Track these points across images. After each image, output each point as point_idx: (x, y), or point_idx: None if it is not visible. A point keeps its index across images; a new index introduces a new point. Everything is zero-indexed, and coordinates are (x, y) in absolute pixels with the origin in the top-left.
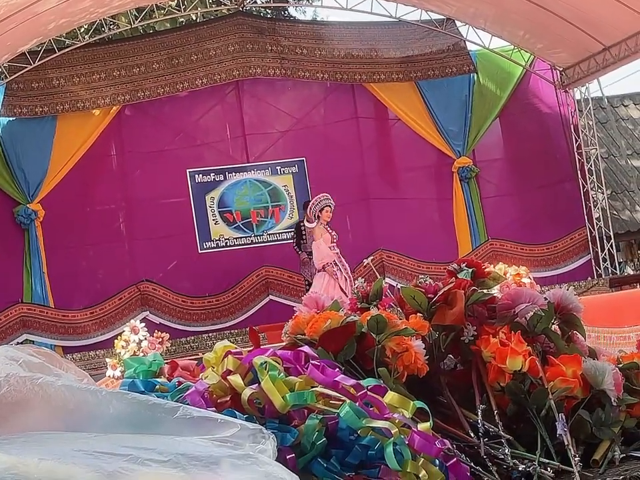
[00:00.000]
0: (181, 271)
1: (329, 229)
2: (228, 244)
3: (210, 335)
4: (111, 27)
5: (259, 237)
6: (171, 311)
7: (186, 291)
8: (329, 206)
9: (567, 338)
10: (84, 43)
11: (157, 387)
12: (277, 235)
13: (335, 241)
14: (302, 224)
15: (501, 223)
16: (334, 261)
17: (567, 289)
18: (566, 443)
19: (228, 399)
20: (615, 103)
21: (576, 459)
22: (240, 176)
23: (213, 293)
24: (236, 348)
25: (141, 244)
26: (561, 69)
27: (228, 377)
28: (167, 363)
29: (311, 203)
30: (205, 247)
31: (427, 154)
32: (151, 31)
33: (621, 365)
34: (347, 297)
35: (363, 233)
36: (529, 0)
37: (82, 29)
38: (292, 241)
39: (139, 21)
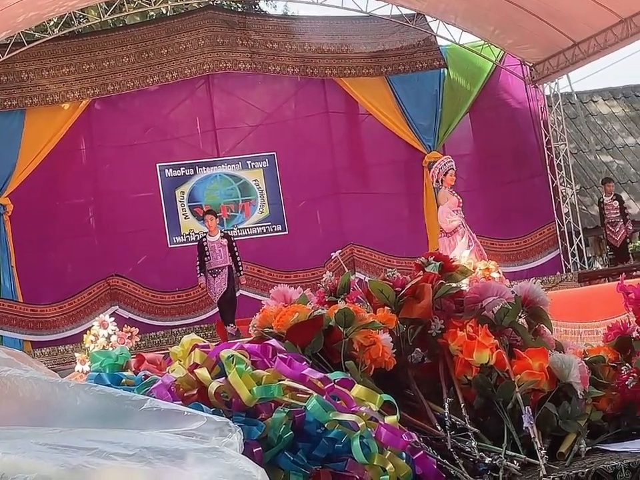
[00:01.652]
0: (151, 266)
1: (454, 192)
2: (198, 238)
3: (180, 329)
4: (80, 20)
5: (228, 232)
6: (141, 305)
7: (156, 286)
8: (453, 169)
9: (534, 331)
10: (53, 37)
11: (124, 380)
12: (247, 229)
13: (460, 205)
14: (204, 239)
15: (471, 217)
16: (461, 223)
17: (534, 283)
18: (532, 436)
19: (195, 392)
20: (584, 98)
21: (542, 451)
22: (210, 170)
23: (182, 287)
24: (203, 341)
25: (111, 238)
26: (531, 65)
27: (195, 370)
28: (133, 357)
29: (434, 167)
30: (175, 241)
31: (397, 149)
32: (121, 25)
33: (587, 358)
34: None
35: (334, 227)
36: None
37: (51, 22)
38: (197, 262)
39: (109, 15)
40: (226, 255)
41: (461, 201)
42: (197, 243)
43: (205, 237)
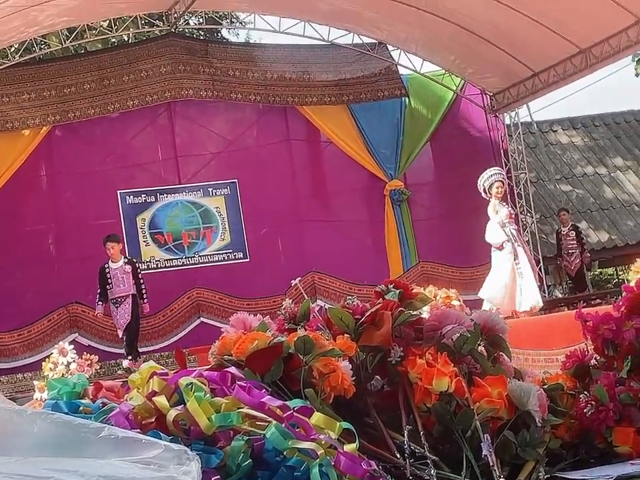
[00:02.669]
0: None
1: (503, 203)
2: (159, 265)
3: (140, 356)
4: (41, 46)
5: (190, 259)
6: (100, 332)
7: None
8: (500, 181)
9: (493, 359)
10: (14, 63)
11: (81, 408)
12: (209, 256)
13: (512, 217)
14: (106, 266)
15: (432, 245)
16: (508, 239)
17: (493, 311)
18: (491, 464)
19: (153, 420)
20: (544, 128)
21: (501, 479)
22: (171, 197)
23: (143, 315)
24: (162, 369)
25: (71, 265)
26: (491, 94)
27: (153, 398)
28: (91, 384)
29: (479, 179)
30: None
31: (359, 176)
32: (82, 51)
33: (545, 386)
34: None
35: (295, 255)
36: (459, 25)
37: (12, 48)
38: (97, 290)
39: (70, 41)
40: (129, 283)
41: (512, 212)
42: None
43: (106, 264)
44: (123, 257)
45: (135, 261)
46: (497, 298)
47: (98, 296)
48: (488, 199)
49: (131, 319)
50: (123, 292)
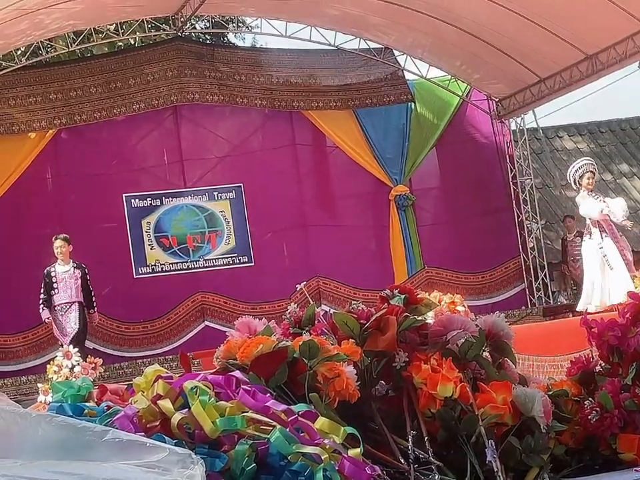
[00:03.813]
0: (116, 296)
1: (593, 194)
2: (164, 269)
3: (144, 360)
4: (48, 49)
5: (195, 263)
6: (105, 336)
7: (121, 316)
8: (592, 172)
9: (498, 365)
10: (20, 66)
11: (86, 411)
12: (213, 260)
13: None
14: (52, 269)
15: (437, 251)
16: (590, 232)
17: (499, 316)
18: (495, 470)
19: (157, 423)
20: (549, 134)
21: None
22: (177, 201)
23: (148, 318)
24: (167, 372)
25: None
26: (497, 100)
27: (158, 402)
28: (96, 387)
29: (569, 171)
30: (141, 272)
31: (364, 181)
32: (89, 55)
33: (550, 392)
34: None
35: (300, 260)
36: (465, 31)
37: (19, 52)
38: (41, 295)
39: (77, 45)
40: (78, 289)
41: (602, 202)
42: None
43: (52, 267)
44: (71, 260)
45: (84, 266)
46: (587, 296)
47: (41, 302)
48: (577, 190)
49: (79, 328)
50: (69, 299)
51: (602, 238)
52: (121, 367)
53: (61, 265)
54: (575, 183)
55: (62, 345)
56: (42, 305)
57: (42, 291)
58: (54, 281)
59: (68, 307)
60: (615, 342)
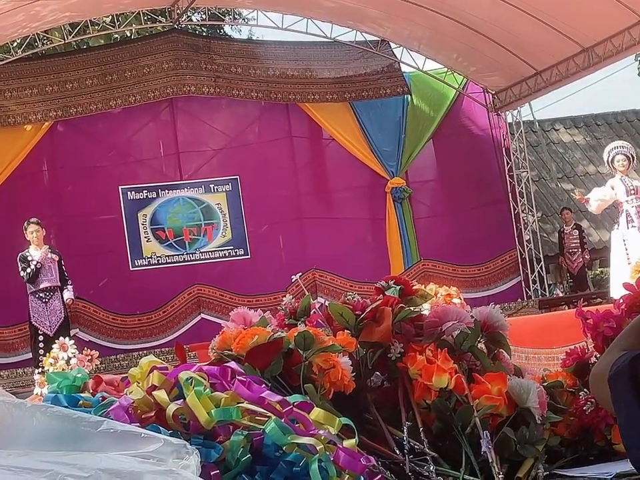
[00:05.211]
0: (112, 289)
1: (625, 179)
2: (160, 261)
3: (140, 353)
4: (44, 41)
5: (191, 255)
6: (101, 328)
7: (117, 309)
8: (623, 154)
9: (493, 356)
10: (16, 58)
11: (81, 401)
12: (210, 253)
13: (632, 193)
14: (27, 253)
15: (433, 243)
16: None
17: (494, 308)
18: (490, 460)
19: (152, 414)
20: (546, 126)
21: (500, 476)
22: (173, 193)
23: (144, 310)
24: (162, 363)
25: (72, 261)
26: (494, 92)
27: (153, 392)
28: (91, 378)
29: (604, 152)
30: (137, 264)
31: (360, 174)
32: (85, 47)
33: (545, 384)
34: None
35: (296, 252)
36: (462, 24)
37: (14, 44)
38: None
39: (73, 37)
40: (57, 273)
41: (631, 189)
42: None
43: (27, 251)
44: (44, 245)
45: (57, 250)
46: (611, 289)
47: (27, 281)
48: (612, 172)
49: (64, 318)
50: (51, 283)
51: (628, 228)
52: (117, 359)
53: (36, 249)
54: (609, 165)
55: (48, 336)
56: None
57: (26, 277)
58: (34, 264)
59: (52, 293)
60: (610, 333)
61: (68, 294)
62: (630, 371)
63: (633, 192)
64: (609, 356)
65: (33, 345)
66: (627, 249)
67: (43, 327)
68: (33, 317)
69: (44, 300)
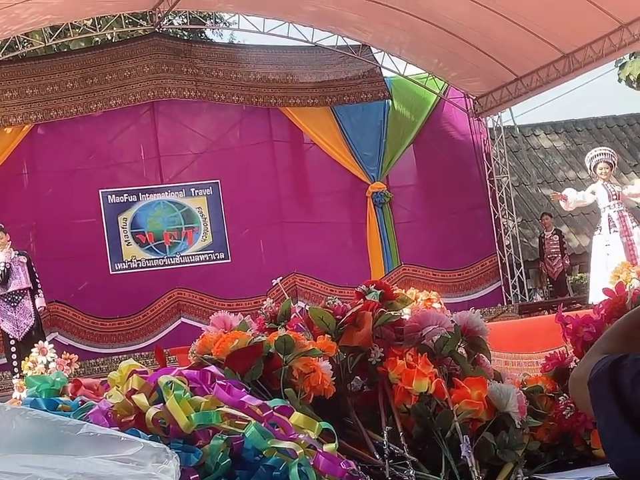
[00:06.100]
0: (92, 292)
1: (607, 185)
2: (140, 265)
3: (120, 356)
4: (24, 44)
5: (171, 259)
6: (81, 332)
7: (97, 312)
8: (605, 162)
9: (473, 361)
10: None
11: (60, 405)
12: (190, 256)
13: (614, 198)
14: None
15: (414, 248)
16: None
17: (474, 312)
18: (470, 465)
19: (132, 418)
20: (526, 132)
21: None
22: (153, 197)
23: (124, 314)
24: (141, 367)
25: (52, 264)
26: (474, 98)
27: (132, 396)
28: (70, 382)
29: (586, 158)
30: (117, 267)
31: (341, 178)
32: (66, 50)
33: (525, 388)
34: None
35: (277, 256)
36: (443, 29)
37: None
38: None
39: (54, 40)
40: (26, 276)
41: (613, 194)
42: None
43: None
44: (11, 248)
45: (26, 252)
46: (591, 294)
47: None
48: (593, 178)
49: (34, 323)
50: (20, 285)
51: (610, 232)
52: (96, 363)
53: (1, 253)
54: (591, 172)
55: (15, 340)
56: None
57: None
58: (0, 269)
59: (20, 296)
60: (589, 338)
61: (39, 301)
62: (610, 374)
63: (614, 197)
64: (588, 360)
65: (5, 351)
66: (608, 254)
67: (11, 332)
68: (2, 321)
69: (12, 304)
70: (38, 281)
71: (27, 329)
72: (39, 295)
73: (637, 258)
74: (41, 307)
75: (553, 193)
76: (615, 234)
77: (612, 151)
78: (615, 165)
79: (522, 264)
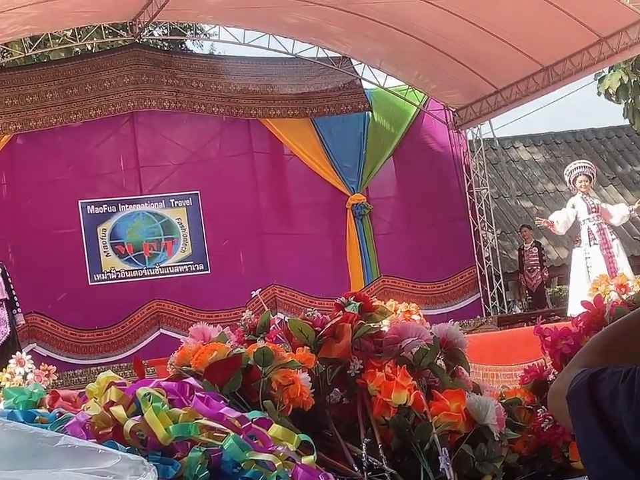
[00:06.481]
0: (71, 303)
1: (587, 198)
2: (119, 276)
3: (99, 368)
4: (4, 54)
5: (150, 270)
6: (59, 343)
7: (75, 323)
8: (584, 174)
9: (452, 373)
10: None
11: (37, 417)
12: (169, 268)
13: (593, 211)
14: None
15: (393, 260)
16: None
17: (453, 324)
18: (448, 477)
19: (110, 430)
20: (505, 144)
21: None
22: (133, 208)
23: (102, 325)
24: (120, 379)
25: (30, 275)
26: (454, 110)
27: (110, 408)
28: (48, 394)
29: (565, 171)
30: (96, 278)
31: (321, 190)
32: (45, 60)
33: (504, 401)
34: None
35: (256, 268)
36: (423, 41)
37: None
38: None
39: (33, 50)
40: (1, 287)
41: (593, 207)
42: None
43: None
44: None
45: (1, 262)
46: (570, 307)
47: None
48: (572, 191)
49: (10, 332)
50: None
51: (590, 245)
52: (75, 374)
53: None
54: (571, 185)
55: None
56: None
57: None
58: None
59: None
60: (568, 350)
61: (19, 317)
62: (588, 388)
63: (594, 210)
64: (567, 373)
65: None
66: (588, 267)
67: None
68: None
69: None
70: (15, 296)
71: (4, 338)
72: (18, 311)
73: (617, 270)
74: (20, 322)
75: (539, 220)
76: (595, 246)
77: (591, 164)
78: (593, 177)
79: (501, 276)
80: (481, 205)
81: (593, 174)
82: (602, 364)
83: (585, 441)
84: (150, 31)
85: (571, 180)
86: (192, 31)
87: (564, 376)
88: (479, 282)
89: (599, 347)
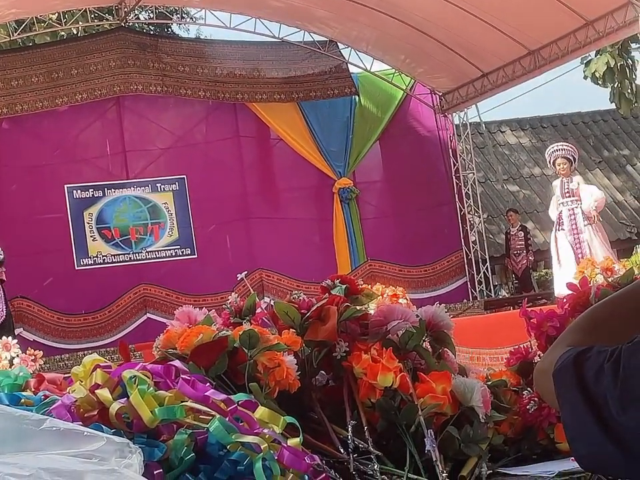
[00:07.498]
0: (57, 288)
1: (564, 181)
2: (106, 261)
3: (86, 352)
4: None
5: (137, 254)
6: (46, 328)
7: (62, 308)
8: (563, 157)
9: (438, 355)
10: None
11: (22, 400)
12: (156, 252)
13: (567, 195)
14: None
15: (380, 244)
16: (558, 220)
17: (439, 307)
18: (434, 459)
19: (95, 413)
20: (492, 128)
21: (444, 475)
22: (119, 192)
23: (89, 310)
24: (105, 362)
25: (16, 260)
26: (441, 94)
27: (96, 391)
28: (33, 377)
29: (546, 152)
30: (82, 263)
31: (308, 174)
32: (31, 44)
33: (489, 383)
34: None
35: (243, 252)
36: (410, 25)
37: None
38: None
39: (18, 34)
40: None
41: (566, 191)
42: None
43: None
44: None
45: None
46: (555, 289)
47: None
48: (556, 173)
49: (6, 316)
50: None
51: (558, 230)
52: (62, 359)
53: None
54: (551, 166)
55: None
56: None
57: None
58: None
59: None
60: (553, 332)
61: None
62: (574, 366)
63: (567, 194)
64: (553, 352)
65: None
66: (558, 252)
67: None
68: None
69: None
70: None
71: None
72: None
73: (584, 257)
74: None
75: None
76: (561, 232)
77: (571, 146)
78: (575, 160)
79: (487, 260)
80: (468, 189)
81: (574, 157)
82: (588, 343)
83: (571, 419)
84: (136, 14)
85: (551, 162)
86: (178, 15)
87: (549, 355)
88: (466, 266)
89: (585, 326)
